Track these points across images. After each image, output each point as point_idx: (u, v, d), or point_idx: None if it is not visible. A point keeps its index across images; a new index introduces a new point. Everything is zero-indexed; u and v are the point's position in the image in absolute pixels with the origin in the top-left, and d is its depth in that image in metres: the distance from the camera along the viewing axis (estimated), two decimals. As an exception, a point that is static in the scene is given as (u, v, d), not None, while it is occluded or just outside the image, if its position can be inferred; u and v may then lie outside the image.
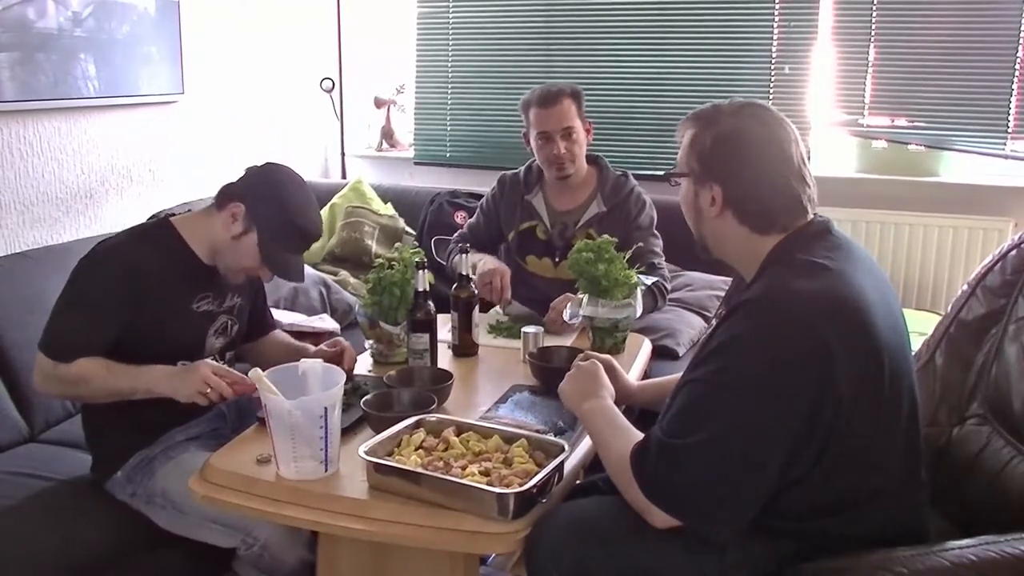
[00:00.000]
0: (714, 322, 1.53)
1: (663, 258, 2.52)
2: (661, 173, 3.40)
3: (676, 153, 1.47)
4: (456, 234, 2.79)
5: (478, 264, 2.42)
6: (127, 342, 1.75)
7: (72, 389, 1.76)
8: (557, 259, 2.55)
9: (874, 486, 1.30)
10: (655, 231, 2.54)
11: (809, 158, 1.42)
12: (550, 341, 2.09)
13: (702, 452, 1.22)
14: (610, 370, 1.69)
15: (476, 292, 2.11)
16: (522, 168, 2.65)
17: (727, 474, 1.22)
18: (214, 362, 1.74)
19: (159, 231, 1.85)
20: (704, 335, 1.50)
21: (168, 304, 1.79)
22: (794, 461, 1.23)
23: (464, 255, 2.10)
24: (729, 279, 2.96)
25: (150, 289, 1.76)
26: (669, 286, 2.51)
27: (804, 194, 1.36)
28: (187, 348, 1.83)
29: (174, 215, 1.89)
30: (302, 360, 1.56)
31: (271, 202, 1.78)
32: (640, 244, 2.39)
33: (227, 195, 1.80)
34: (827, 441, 1.23)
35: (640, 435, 1.35)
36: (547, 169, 2.52)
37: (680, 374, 1.40)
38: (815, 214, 1.39)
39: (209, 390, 1.65)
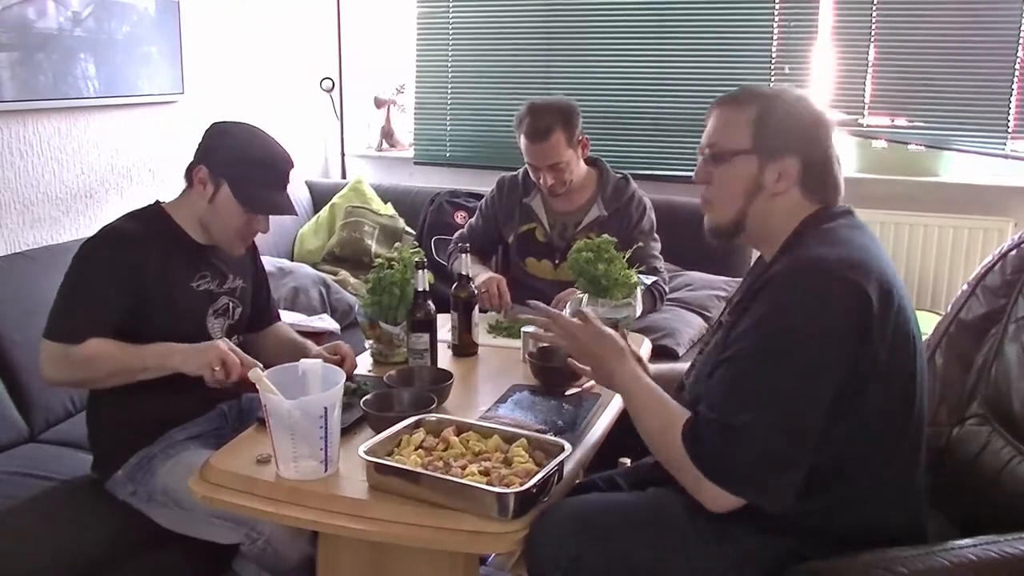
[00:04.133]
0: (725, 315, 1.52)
1: (662, 261, 2.53)
2: (655, 172, 3.39)
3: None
4: (456, 235, 2.79)
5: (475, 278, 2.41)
6: (130, 323, 1.75)
7: (83, 372, 1.74)
8: (557, 261, 2.55)
9: (879, 471, 1.31)
10: (655, 235, 2.55)
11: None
12: (550, 341, 2.09)
13: (760, 427, 1.23)
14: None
15: (476, 292, 2.11)
16: (520, 171, 2.65)
17: (785, 444, 1.23)
18: (228, 342, 1.74)
19: (152, 214, 1.87)
20: (724, 315, 1.50)
21: (168, 281, 1.80)
22: (831, 411, 1.25)
23: (464, 255, 2.10)
24: (730, 279, 2.97)
25: (149, 266, 1.77)
26: (667, 288, 2.52)
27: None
28: (189, 328, 1.83)
29: (162, 202, 1.91)
30: (302, 360, 1.55)
31: (223, 148, 1.81)
32: (640, 246, 2.40)
33: (189, 168, 1.84)
34: (859, 390, 1.26)
35: (681, 409, 1.35)
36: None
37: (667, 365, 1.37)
38: None
39: (218, 368, 1.65)
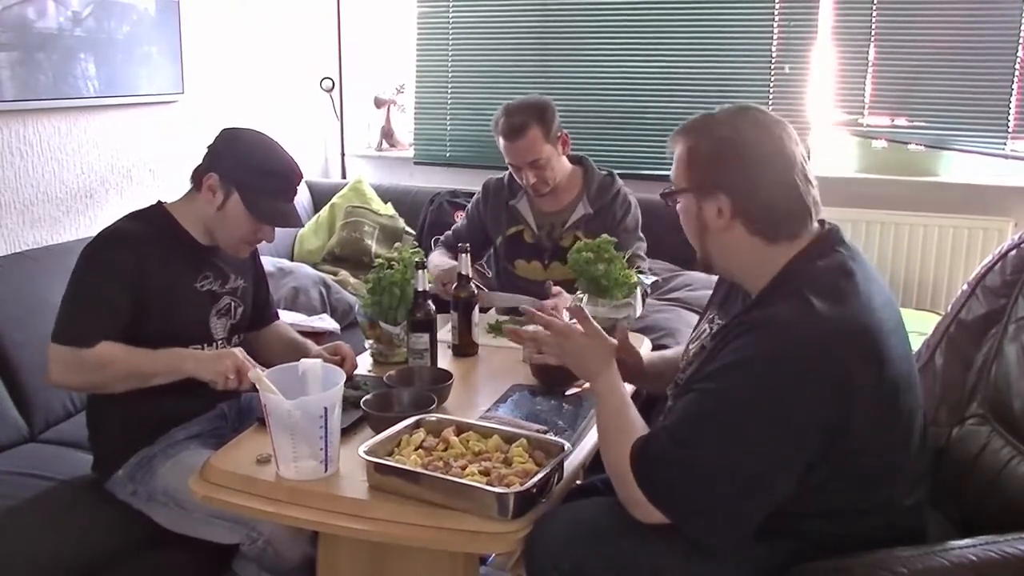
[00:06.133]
0: (714, 322, 1.51)
1: (647, 261, 2.51)
2: (659, 172, 3.39)
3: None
4: (443, 236, 2.77)
5: (436, 268, 2.37)
6: (134, 324, 1.75)
7: (94, 376, 1.74)
8: (546, 261, 2.54)
9: (882, 496, 1.31)
10: (640, 233, 2.54)
11: (809, 158, 1.40)
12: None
13: (710, 468, 1.22)
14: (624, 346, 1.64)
15: (475, 292, 2.11)
16: (506, 174, 2.63)
17: (732, 493, 1.22)
18: (243, 351, 1.75)
19: (154, 215, 1.87)
20: (707, 335, 1.48)
21: (172, 280, 1.81)
22: (802, 481, 1.23)
23: (465, 255, 2.10)
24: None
25: (153, 266, 1.77)
26: (648, 289, 2.51)
27: (809, 195, 1.34)
28: (192, 329, 1.84)
29: (164, 202, 1.91)
30: (302, 360, 1.56)
31: (236, 158, 1.81)
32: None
33: (198, 173, 1.84)
34: (840, 464, 1.24)
35: (642, 427, 1.34)
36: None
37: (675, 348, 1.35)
38: (820, 220, 1.37)
39: (232, 376, 1.66)
